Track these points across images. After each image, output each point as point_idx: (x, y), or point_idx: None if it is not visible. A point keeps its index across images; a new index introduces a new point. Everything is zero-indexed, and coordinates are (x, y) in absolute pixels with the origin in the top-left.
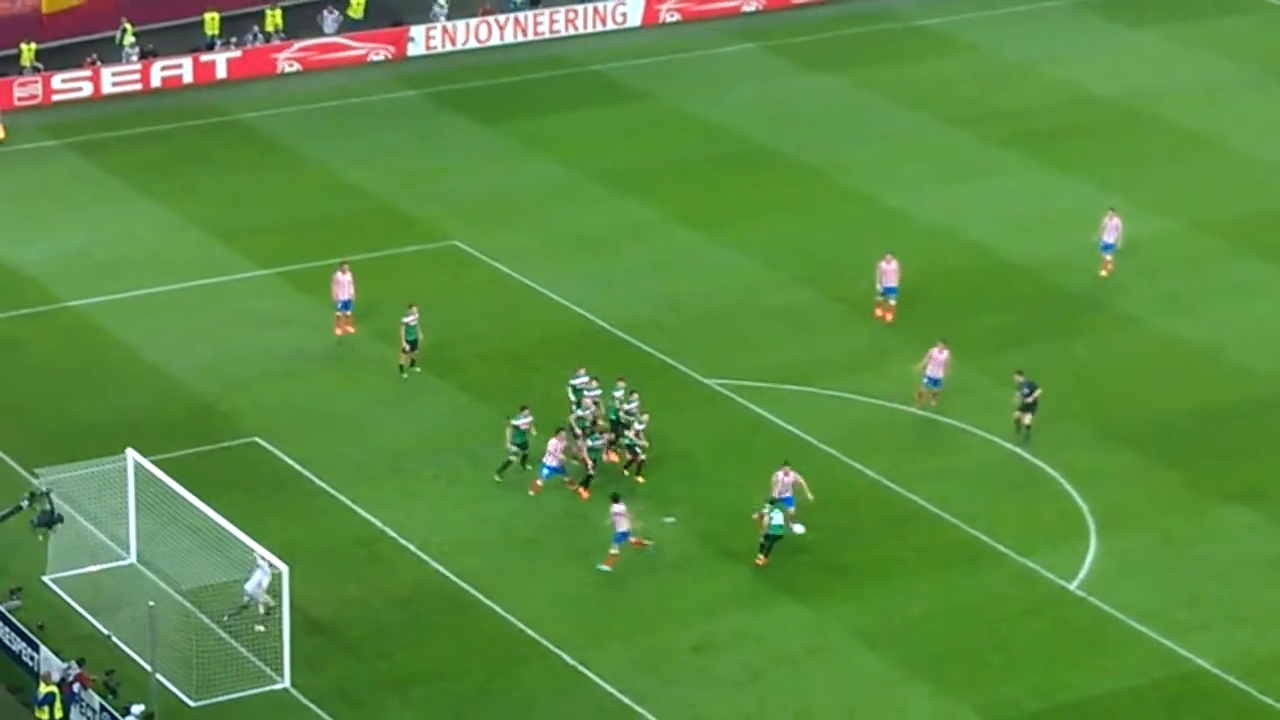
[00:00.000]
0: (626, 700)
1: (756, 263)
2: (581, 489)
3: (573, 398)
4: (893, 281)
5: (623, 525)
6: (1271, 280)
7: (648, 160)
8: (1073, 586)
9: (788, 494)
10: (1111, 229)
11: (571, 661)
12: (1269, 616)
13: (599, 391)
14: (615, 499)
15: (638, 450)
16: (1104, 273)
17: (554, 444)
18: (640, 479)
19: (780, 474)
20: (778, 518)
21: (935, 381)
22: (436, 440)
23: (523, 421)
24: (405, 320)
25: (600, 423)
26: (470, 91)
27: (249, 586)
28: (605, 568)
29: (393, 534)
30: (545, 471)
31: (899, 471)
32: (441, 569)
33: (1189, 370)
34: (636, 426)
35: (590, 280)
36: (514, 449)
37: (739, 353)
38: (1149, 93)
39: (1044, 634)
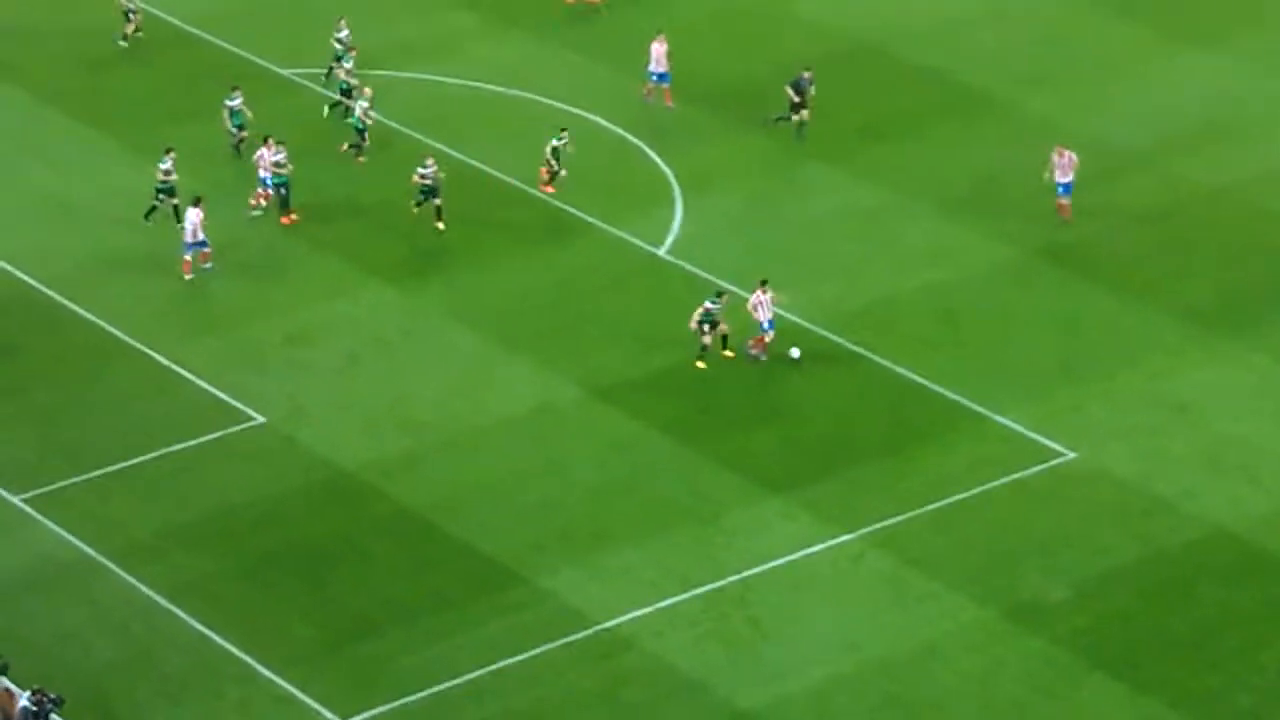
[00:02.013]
0: (222, 395)
1: None
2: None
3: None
4: None
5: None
6: None
7: None
8: (662, 252)
9: (769, 315)
10: None
11: (164, 360)
12: (854, 270)
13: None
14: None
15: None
16: None
17: (265, 154)
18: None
19: (759, 294)
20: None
21: (663, 77)
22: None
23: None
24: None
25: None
26: None
27: None
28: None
29: None
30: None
31: (482, 151)
32: (25, 276)
33: (763, 29)
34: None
35: None
36: (161, 196)
37: (314, 40)
38: None
39: (638, 302)
